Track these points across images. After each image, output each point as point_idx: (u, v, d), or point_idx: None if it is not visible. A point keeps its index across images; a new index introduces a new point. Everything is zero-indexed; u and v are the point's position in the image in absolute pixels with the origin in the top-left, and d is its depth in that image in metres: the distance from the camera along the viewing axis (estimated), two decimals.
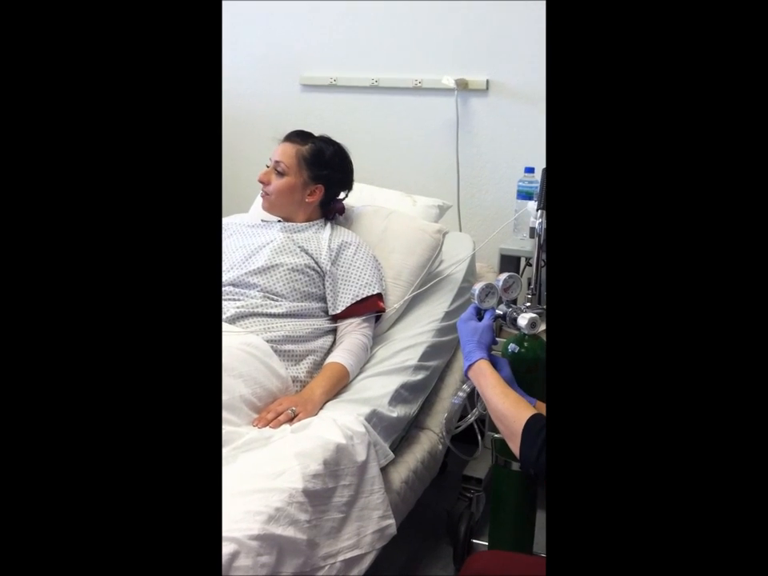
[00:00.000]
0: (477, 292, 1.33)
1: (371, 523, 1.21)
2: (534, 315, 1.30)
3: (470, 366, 1.20)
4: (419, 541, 1.72)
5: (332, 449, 1.15)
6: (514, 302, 1.39)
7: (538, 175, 1.83)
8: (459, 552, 1.63)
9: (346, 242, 1.57)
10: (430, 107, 2.11)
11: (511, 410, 1.07)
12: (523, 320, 1.30)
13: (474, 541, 1.66)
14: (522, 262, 1.95)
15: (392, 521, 1.24)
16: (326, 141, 1.64)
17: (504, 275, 1.37)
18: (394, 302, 1.60)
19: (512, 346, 1.37)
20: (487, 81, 2.02)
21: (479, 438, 1.51)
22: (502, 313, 1.35)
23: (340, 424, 1.21)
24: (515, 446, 1.03)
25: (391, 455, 1.30)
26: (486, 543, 1.51)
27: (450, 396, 1.62)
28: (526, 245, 1.77)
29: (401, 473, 1.38)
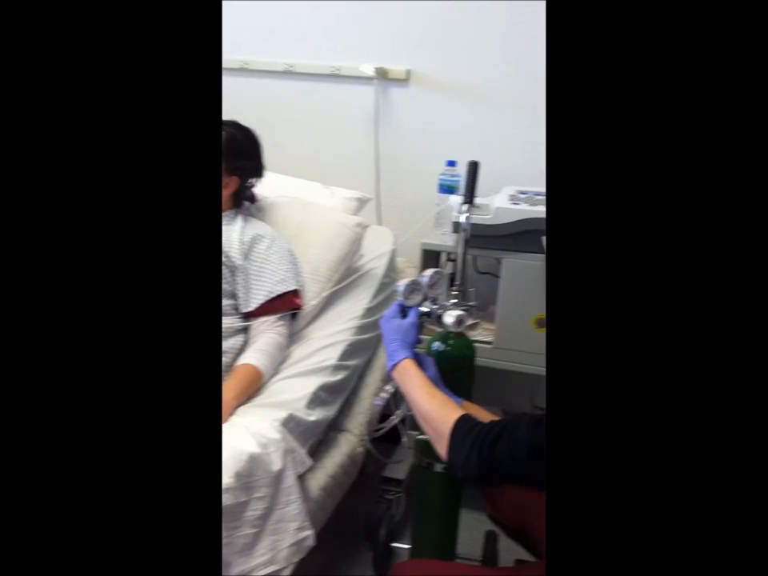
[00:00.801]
0: (402, 288, 1.26)
1: (287, 536, 1.12)
2: (461, 312, 1.25)
3: (394, 366, 1.13)
4: (337, 546, 1.65)
5: (244, 459, 1.05)
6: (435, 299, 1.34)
7: (459, 169, 1.78)
8: (379, 557, 1.57)
9: (260, 235, 1.47)
10: (349, 96, 2.03)
11: (438, 412, 1.02)
12: (450, 317, 1.24)
13: (395, 545, 1.60)
14: (443, 257, 1.91)
15: (310, 532, 1.16)
16: (236, 126, 1.51)
17: (430, 271, 1.31)
18: (311, 299, 1.51)
19: (437, 344, 1.32)
20: (408, 70, 1.96)
21: (403, 438, 1.45)
22: (427, 310, 1.29)
23: (253, 431, 1.12)
24: (442, 449, 0.98)
25: (309, 462, 1.22)
26: (408, 546, 1.46)
27: (370, 396, 1.55)
28: (448, 239, 1.73)
29: (318, 479, 1.29)
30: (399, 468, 1.70)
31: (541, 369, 1.65)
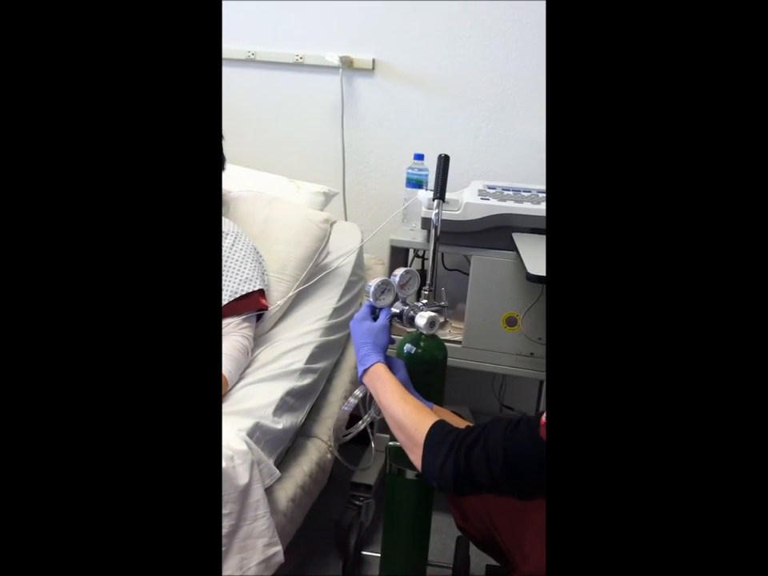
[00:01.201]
0: (372, 289, 1.21)
1: (255, 553, 1.06)
2: (433, 314, 1.20)
3: (365, 371, 1.09)
4: (305, 554, 1.59)
5: None
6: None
7: (427, 162, 1.74)
8: (349, 565, 1.52)
9: (223, 232, 1.40)
10: (313, 86, 1.96)
11: (411, 418, 0.98)
12: (422, 319, 1.20)
13: (365, 553, 1.56)
14: (411, 253, 1.87)
15: (279, 548, 1.10)
16: None
17: (400, 270, 1.26)
18: (277, 299, 1.45)
19: (408, 347, 1.27)
20: (373, 60, 1.90)
21: (371, 443, 1.40)
22: (398, 311, 1.24)
23: None
24: (416, 457, 0.94)
25: (277, 473, 1.16)
26: (378, 555, 1.42)
27: (338, 399, 1.50)
28: (416, 235, 1.68)
29: (287, 490, 1.24)
30: (369, 472, 1.65)
31: (509, 368, 1.62)
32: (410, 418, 0.98)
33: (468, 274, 1.79)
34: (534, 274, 1.22)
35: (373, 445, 1.35)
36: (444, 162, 1.32)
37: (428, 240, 1.62)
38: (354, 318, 1.17)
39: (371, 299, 1.22)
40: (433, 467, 0.90)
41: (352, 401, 1.19)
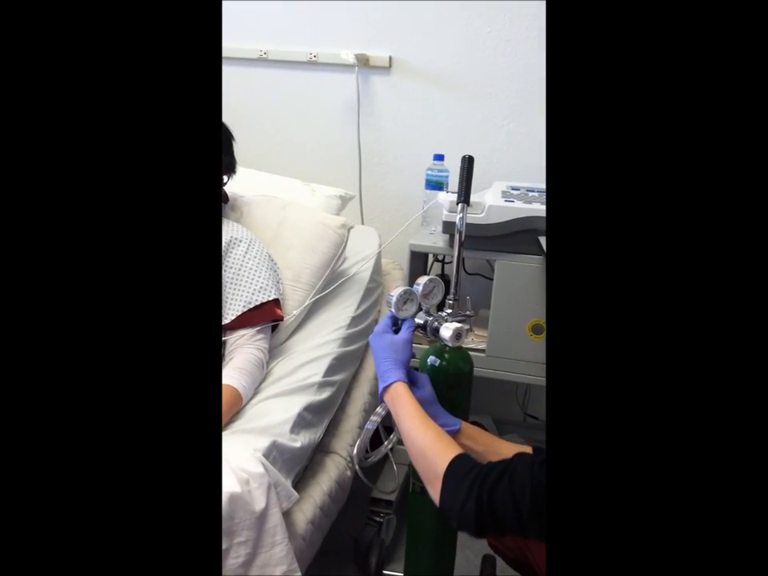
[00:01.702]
0: (394, 299, 1.14)
1: None
2: (459, 325, 1.14)
3: (385, 388, 1.02)
4: (322, 572, 1.53)
5: (224, 500, 0.93)
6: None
7: (447, 163, 1.67)
8: None
9: (236, 239, 1.33)
10: (328, 85, 1.89)
11: (432, 448, 0.90)
12: (447, 331, 1.13)
13: (387, 573, 1.49)
14: (430, 258, 1.80)
15: (298, 574, 1.04)
16: None
17: (424, 279, 1.19)
18: (293, 308, 1.38)
19: (432, 359, 1.20)
20: (390, 57, 1.83)
21: (391, 457, 1.33)
22: (422, 322, 1.17)
23: (233, 466, 0.99)
24: (435, 491, 0.85)
25: (295, 496, 1.09)
26: (401, 575, 1.35)
27: (357, 413, 1.43)
28: (437, 240, 1.61)
29: (306, 511, 1.17)
30: (389, 486, 1.58)
31: (536, 378, 1.55)
32: (431, 448, 0.90)
33: (490, 279, 1.72)
34: None
35: (392, 459, 1.29)
36: (468, 163, 1.25)
37: (450, 244, 1.55)
38: (374, 330, 1.10)
39: (393, 310, 1.15)
40: (453, 505, 0.82)
41: (375, 419, 1.12)
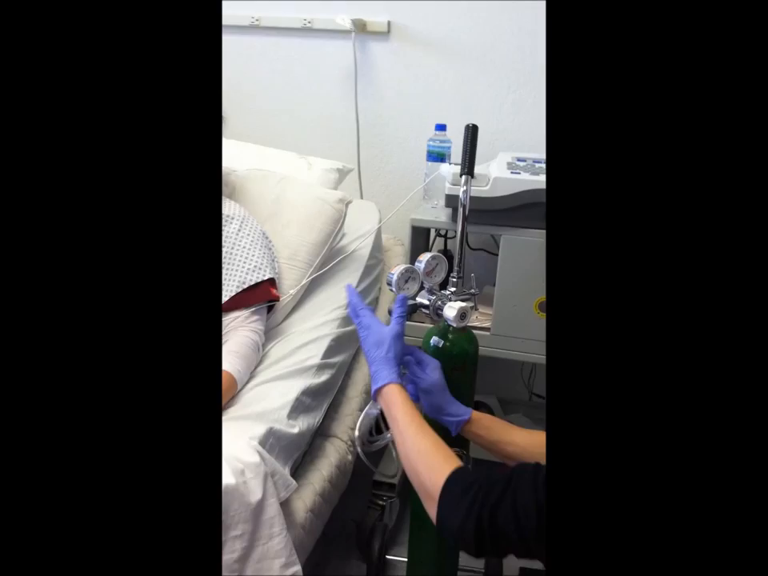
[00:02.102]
0: (395, 278, 1.08)
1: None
2: (464, 305, 1.08)
3: (377, 391, 0.93)
4: (323, 558, 1.49)
5: None
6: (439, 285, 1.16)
7: (450, 133, 1.59)
8: (374, 571, 1.42)
9: (228, 216, 1.27)
10: (323, 52, 1.81)
11: (427, 461, 0.82)
12: (451, 310, 1.07)
13: (390, 557, 1.45)
14: (432, 233, 1.73)
15: (297, 567, 0.99)
16: None
17: (426, 256, 1.13)
18: (289, 288, 1.32)
19: (435, 340, 1.14)
20: (388, 23, 1.75)
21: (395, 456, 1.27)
22: (426, 302, 1.12)
23: (227, 456, 0.94)
24: (431, 508, 0.78)
25: (293, 485, 1.05)
26: (405, 559, 1.31)
27: (358, 395, 1.38)
28: (439, 214, 1.54)
29: (305, 499, 1.12)
30: (391, 468, 1.54)
31: (542, 357, 1.49)
32: (426, 461, 0.82)
33: (495, 254, 1.65)
34: None
35: (395, 456, 1.24)
36: (472, 133, 1.18)
37: (453, 219, 1.49)
38: (359, 323, 1.00)
39: (395, 288, 1.09)
40: (450, 524, 0.74)
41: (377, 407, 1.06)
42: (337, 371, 1.30)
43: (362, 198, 1.81)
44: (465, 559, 1.35)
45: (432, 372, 1.01)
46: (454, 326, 1.08)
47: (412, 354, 1.04)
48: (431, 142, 1.61)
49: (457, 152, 1.61)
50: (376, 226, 1.51)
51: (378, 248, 1.53)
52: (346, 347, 1.35)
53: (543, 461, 0.98)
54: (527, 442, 0.98)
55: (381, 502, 1.51)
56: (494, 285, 1.61)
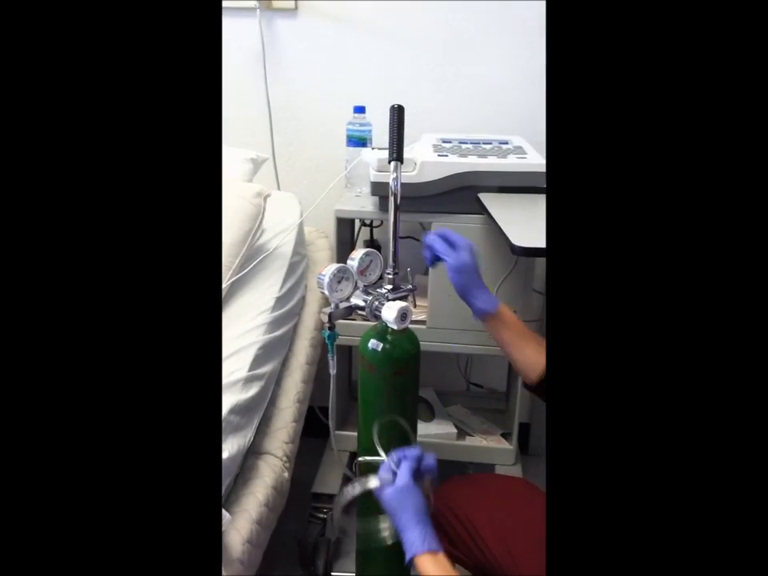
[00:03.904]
0: (326, 280, 0.98)
1: None
2: (404, 304, 0.99)
3: (411, 561, 0.85)
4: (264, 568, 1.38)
5: None
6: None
7: (370, 116, 1.49)
8: None
9: None
10: (227, 32, 1.65)
11: None
12: (390, 312, 0.98)
13: (336, 574, 1.36)
14: (357, 223, 1.63)
15: None
16: None
17: (359, 253, 1.03)
18: None
19: (373, 343, 1.05)
20: None
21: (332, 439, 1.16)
22: (362, 303, 1.02)
23: None
24: None
25: (227, 518, 0.93)
26: (352, 574, 1.22)
27: (290, 404, 1.27)
28: (365, 203, 1.44)
29: (241, 530, 1.01)
30: (330, 479, 1.44)
31: (483, 347, 1.43)
32: None
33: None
34: (522, 246, 1.01)
35: (334, 446, 1.14)
36: (398, 114, 1.08)
37: (380, 208, 1.39)
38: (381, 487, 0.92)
39: (327, 291, 0.99)
40: None
41: (358, 487, 0.94)
42: (266, 383, 1.18)
43: (279, 189, 1.68)
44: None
45: (461, 252, 1.02)
46: (395, 327, 0.99)
47: (443, 235, 1.06)
48: (350, 126, 1.50)
49: (377, 135, 1.51)
50: (298, 219, 1.39)
51: (301, 243, 1.42)
52: (274, 355, 1.24)
53: (535, 375, 1.02)
54: (534, 360, 1.02)
55: (321, 515, 1.42)
56: (425, 274, 1.53)
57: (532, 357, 1.02)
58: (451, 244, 1.04)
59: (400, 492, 0.89)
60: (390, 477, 0.91)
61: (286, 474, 1.19)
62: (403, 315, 0.98)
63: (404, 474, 0.90)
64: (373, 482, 0.93)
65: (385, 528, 1.00)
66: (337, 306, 1.01)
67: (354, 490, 0.94)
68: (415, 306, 1.09)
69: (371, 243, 1.64)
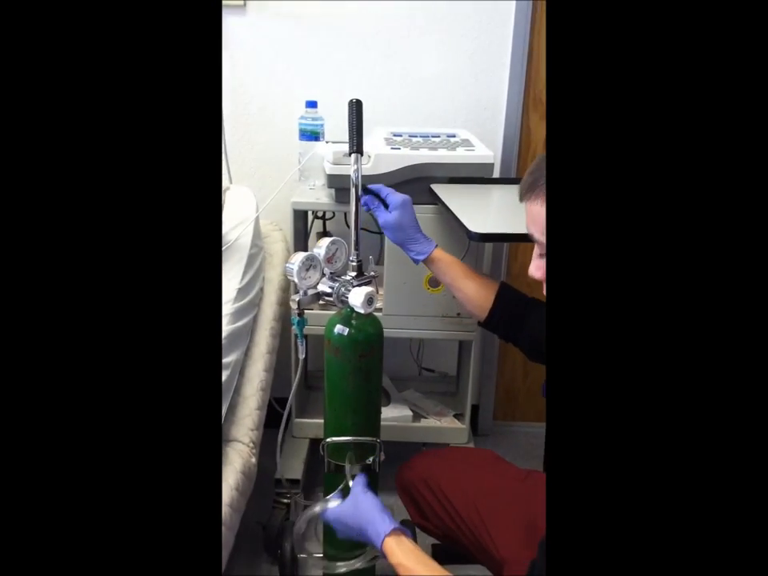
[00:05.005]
0: (296, 268, 1.02)
1: None
2: (370, 289, 1.04)
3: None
4: (234, 565, 1.41)
5: None
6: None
7: (321, 110, 1.53)
8: (288, 572, 1.36)
9: None
10: None
11: None
12: (357, 297, 1.03)
13: (303, 555, 1.40)
14: (310, 216, 1.67)
15: None
16: None
17: (325, 241, 1.07)
18: None
19: (339, 328, 1.10)
20: None
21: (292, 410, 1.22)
22: (328, 290, 1.06)
23: None
24: None
25: None
26: (319, 555, 1.27)
27: (254, 392, 1.30)
28: (320, 195, 1.48)
29: None
30: (293, 464, 1.48)
31: (436, 332, 1.50)
32: None
33: (376, 233, 1.63)
34: (478, 232, 1.07)
35: (293, 433, 1.19)
36: (357, 108, 1.13)
37: (336, 200, 1.43)
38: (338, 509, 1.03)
39: (296, 279, 1.03)
40: None
41: (317, 510, 1.06)
42: (231, 372, 1.21)
43: (231, 182, 1.70)
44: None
45: (393, 210, 1.12)
46: (362, 312, 1.04)
47: (380, 191, 1.15)
48: (302, 120, 1.53)
49: (329, 129, 1.55)
50: (254, 212, 1.42)
51: (258, 235, 1.44)
52: (237, 344, 1.26)
53: (483, 313, 1.11)
54: (478, 297, 1.13)
55: (285, 500, 1.45)
56: (378, 263, 1.58)
57: (475, 295, 1.12)
58: (384, 200, 1.14)
59: (356, 497, 1.01)
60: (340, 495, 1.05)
61: (254, 460, 1.22)
62: (369, 300, 1.03)
63: (359, 482, 1.04)
64: (331, 502, 1.04)
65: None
66: (305, 293, 1.04)
67: (313, 511, 1.05)
68: (378, 291, 1.14)
69: (324, 234, 1.67)
